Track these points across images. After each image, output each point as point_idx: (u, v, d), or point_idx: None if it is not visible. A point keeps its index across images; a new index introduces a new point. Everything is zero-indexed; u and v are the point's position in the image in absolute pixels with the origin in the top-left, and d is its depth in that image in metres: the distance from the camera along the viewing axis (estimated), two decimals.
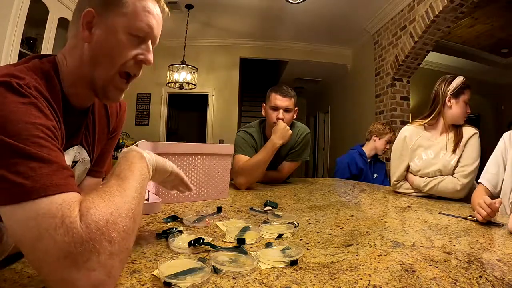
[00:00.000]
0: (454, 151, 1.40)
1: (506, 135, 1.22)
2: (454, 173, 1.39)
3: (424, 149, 1.48)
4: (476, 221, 0.95)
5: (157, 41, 0.68)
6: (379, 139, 2.46)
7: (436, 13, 2.95)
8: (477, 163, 1.36)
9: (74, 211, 0.41)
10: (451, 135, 1.45)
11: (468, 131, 1.42)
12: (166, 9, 0.69)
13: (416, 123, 1.56)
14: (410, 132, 1.54)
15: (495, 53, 5.22)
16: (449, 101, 1.43)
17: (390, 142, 2.41)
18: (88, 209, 0.41)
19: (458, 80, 1.43)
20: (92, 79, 0.62)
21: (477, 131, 1.42)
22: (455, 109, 1.42)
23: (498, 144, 1.24)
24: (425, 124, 1.52)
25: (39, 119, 0.47)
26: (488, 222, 0.92)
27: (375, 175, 2.47)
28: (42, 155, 0.43)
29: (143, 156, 0.58)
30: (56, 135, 0.49)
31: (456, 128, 1.45)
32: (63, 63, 0.62)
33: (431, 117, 1.50)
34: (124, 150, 0.59)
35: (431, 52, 3.58)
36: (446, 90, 1.44)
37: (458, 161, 1.39)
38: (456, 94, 1.41)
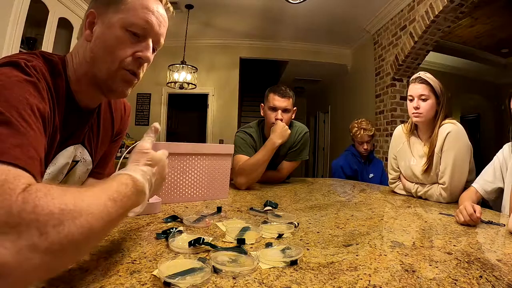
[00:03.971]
0: (428, 161, 1.33)
1: (506, 147, 1.22)
2: (438, 180, 1.32)
3: (405, 155, 1.47)
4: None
5: (162, 40, 0.69)
6: (354, 141, 2.49)
7: (436, 13, 2.95)
8: (454, 165, 1.26)
9: (20, 183, 0.36)
10: (428, 142, 1.37)
11: (443, 132, 1.30)
12: (171, 8, 0.70)
13: (405, 126, 1.52)
14: (399, 133, 1.52)
15: (495, 53, 5.22)
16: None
17: (362, 142, 2.40)
18: (38, 191, 0.36)
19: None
20: (94, 75, 0.63)
21: (451, 128, 1.28)
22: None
23: (497, 155, 1.23)
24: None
25: (33, 97, 0.49)
26: (488, 222, 0.92)
27: (371, 175, 2.46)
28: (18, 127, 0.43)
29: (144, 200, 0.53)
30: (45, 119, 0.51)
31: (433, 131, 1.35)
32: (70, 62, 0.65)
33: (408, 126, 1.48)
34: (135, 176, 0.51)
35: (431, 52, 3.58)
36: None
37: (439, 167, 1.31)
38: (406, 96, 1.43)
